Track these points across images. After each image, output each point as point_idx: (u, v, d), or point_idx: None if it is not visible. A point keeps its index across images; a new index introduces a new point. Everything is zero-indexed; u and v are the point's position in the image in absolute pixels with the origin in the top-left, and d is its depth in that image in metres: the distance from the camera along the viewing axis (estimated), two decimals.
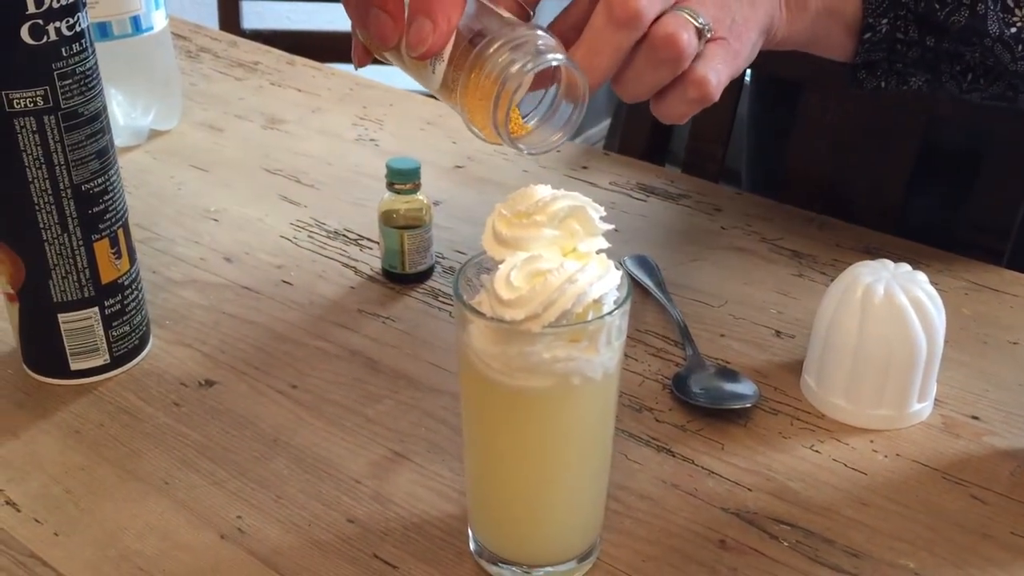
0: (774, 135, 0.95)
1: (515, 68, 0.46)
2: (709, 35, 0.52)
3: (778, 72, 0.93)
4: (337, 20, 0.53)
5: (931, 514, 0.53)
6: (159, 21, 0.87)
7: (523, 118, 0.51)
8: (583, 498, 0.48)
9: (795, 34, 0.59)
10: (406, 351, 0.65)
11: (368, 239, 0.77)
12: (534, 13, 0.53)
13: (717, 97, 0.52)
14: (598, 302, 0.42)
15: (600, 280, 0.42)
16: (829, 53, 0.63)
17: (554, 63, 0.47)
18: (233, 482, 0.55)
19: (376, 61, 0.56)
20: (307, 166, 0.88)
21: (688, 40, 0.50)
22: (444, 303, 0.69)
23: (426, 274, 0.72)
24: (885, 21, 0.60)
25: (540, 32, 0.48)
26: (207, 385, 0.62)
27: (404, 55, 0.51)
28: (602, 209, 0.45)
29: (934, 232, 0.80)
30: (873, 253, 0.75)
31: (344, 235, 0.78)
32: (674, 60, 0.50)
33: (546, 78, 0.50)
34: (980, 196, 0.82)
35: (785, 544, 0.51)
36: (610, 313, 0.42)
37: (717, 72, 0.52)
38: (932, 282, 0.58)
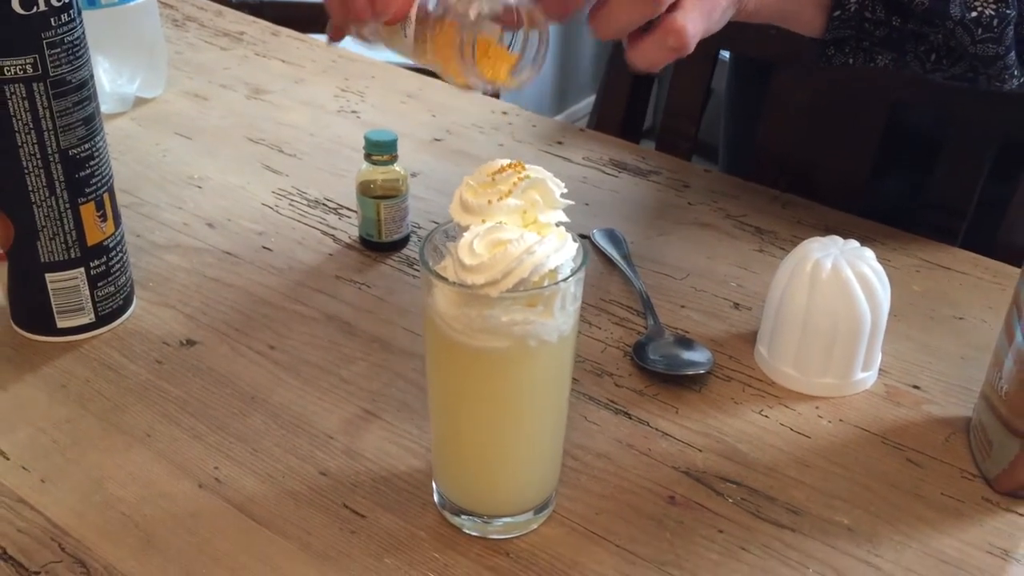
0: (749, 113, 0.97)
1: (472, 11, 0.50)
2: None
3: (749, 52, 0.96)
4: None
5: (868, 475, 0.56)
6: None
7: (507, 47, 0.54)
8: (539, 453, 0.51)
9: (766, 7, 0.62)
10: (380, 316, 0.68)
11: (347, 208, 0.79)
12: None
13: (692, 48, 0.55)
14: (554, 271, 0.45)
15: (556, 252, 0.45)
16: (799, 28, 0.66)
17: (511, 1, 0.50)
18: (212, 436, 0.58)
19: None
20: (289, 136, 0.90)
21: None
22: (418, 271, 0.72)
23: (402, 243, 0.74)
24: (854, 0, 0.63)
25: None
26: (188, 344, 0.65)
27: (379, 27, 0.54)
28: (562, 184, 0.48)
29: (896, 212, 0.83)
30: (832, 231, 0.78)
31: (324, 204, 0.80)
32: (651, 0, 0.53)
33: (517, 21, 0.53)
34: (939, 177, 0.85)
35: (730, 501, 0.54)
36: (564, 280, 0.45)
37: (695, 22, 0.54)
38: (885, 259, 0.61)
